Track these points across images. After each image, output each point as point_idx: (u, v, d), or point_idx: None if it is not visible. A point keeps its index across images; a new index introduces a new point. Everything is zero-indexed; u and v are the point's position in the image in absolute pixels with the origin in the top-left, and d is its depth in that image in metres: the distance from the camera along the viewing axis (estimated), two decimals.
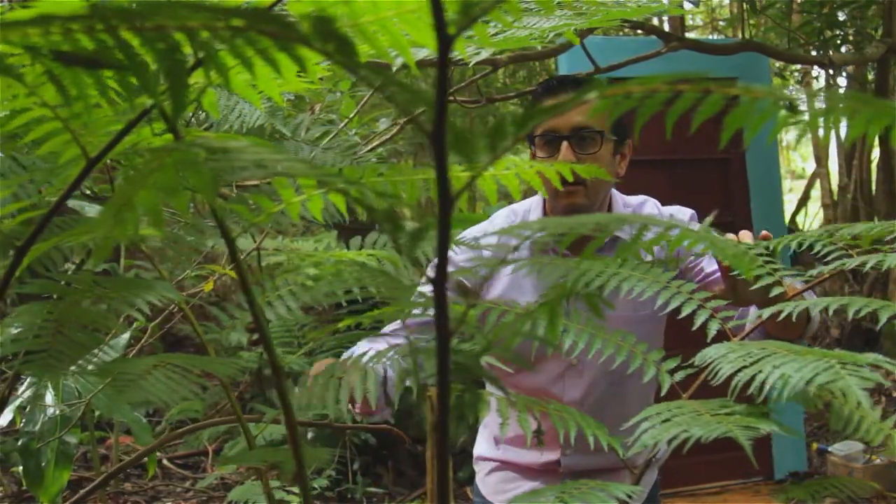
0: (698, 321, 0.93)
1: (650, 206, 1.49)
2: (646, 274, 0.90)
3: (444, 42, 0.38)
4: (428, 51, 0.74)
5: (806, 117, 0.43)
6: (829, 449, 3.31)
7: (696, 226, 1.20)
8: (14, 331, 0.71)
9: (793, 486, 0.94)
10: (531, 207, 1.50)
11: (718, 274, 1.23)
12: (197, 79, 0.57)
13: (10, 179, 0.65)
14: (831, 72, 5.56)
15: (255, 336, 1.01)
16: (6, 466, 2.86)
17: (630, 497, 0.77)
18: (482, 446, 1.60)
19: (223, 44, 0.48)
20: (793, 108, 0.45)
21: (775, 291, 0.91)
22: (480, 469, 1.61)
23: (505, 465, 1.54)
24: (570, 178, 0.84)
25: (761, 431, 0.78)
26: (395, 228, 0.47)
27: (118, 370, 0.73)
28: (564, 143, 1.36)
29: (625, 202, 1.50)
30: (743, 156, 3.46)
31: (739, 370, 0.77)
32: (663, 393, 0.93)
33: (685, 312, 0.92)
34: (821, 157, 6.35)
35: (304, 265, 0.66)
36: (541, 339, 0.57)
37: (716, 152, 3.37)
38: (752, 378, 0.73)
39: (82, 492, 1.11)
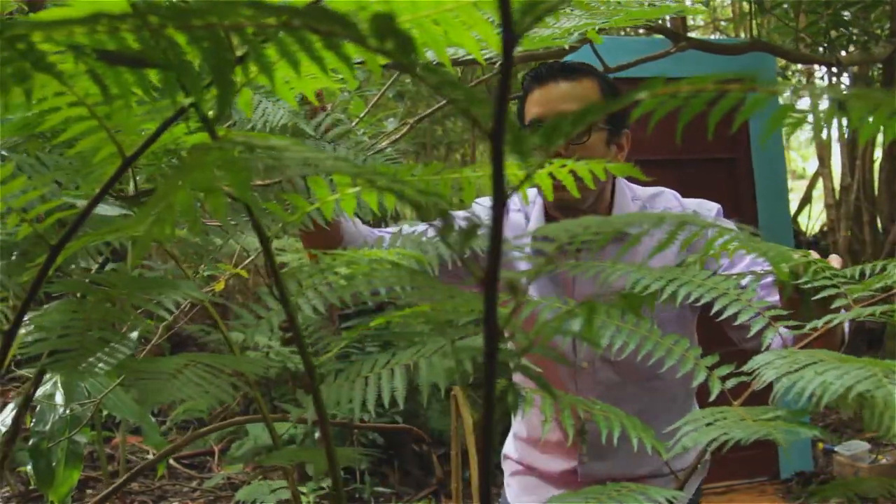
0: (754, 329, 0.90)
1: (665, 199, 1.41)
2: (704, 280, 0.88)
3: (509, 41, 0.37)
4: (453, 49, 0.73)
5: (818, 114, 0.43)
6: (835, 449, 3.31)
7: (724, 222, 1.18)
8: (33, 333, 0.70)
9: (819, 487, 0.93)
10: (534, 199, 1.46)
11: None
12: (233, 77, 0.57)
13: (36, 179, 0.65)
14: (834, 71, 5.57)
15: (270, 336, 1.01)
16: (12, 466, 2.86)
17: (671, 502, 0.76)
18: (509, 443, 1.57)
19: (270, 42, 0.48)
20: (842, 108, 0.45)
21: (836, 306, 0.87)
22: (507, 467, 1.58)
23: (528, 469, 1.51)
24: (597, 178, 0.84)
25: (801, 435, 0.78)
26: (446, 226, 0.47)
27: (149, 369, 0.73)
28: None
29: (634, 195, 1.42)
30: (749, 156, 3.45)
31: (782, 376, 0.77)
32: (712, 398, 0.90)
33: (741, 320, 0.88)
34: (823, 157, 6.35)
35: (336, 264, 0.66)
36: (585, 339, 0.57)
37: (723, 152, 3.36)
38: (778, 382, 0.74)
39: (106, 491, 1.11)
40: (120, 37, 0.49)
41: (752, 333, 0.88)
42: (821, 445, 3.46)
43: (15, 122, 0.66)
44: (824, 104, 0.43)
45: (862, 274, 0.92)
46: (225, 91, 0.49)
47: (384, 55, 0.42)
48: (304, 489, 2.66)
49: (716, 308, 0.86)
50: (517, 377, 1.44)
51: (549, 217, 1.41)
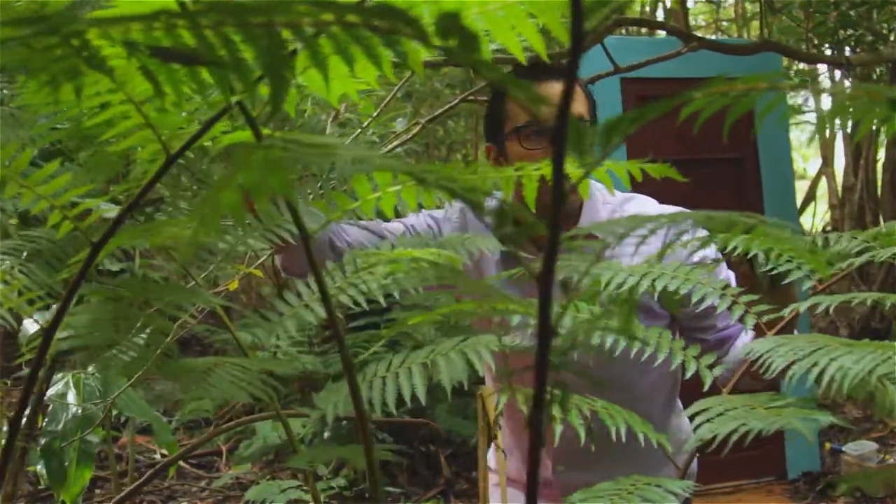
0: (735, 316, 0.92)
1: (639, 203, 1.35)
2: (675, 272, 0.89)
3: (577, 37, 0.38)
4: (495, 46, 0.74)
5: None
6: (843, 449, 3.32)
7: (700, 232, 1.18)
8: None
9: (834, 478, 0.94)
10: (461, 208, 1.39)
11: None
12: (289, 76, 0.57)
13: (78, 176, 0.65)
14: (837, 72, 5.58)
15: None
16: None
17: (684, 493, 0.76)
18: (490, 454, 1.55)
19: (323, 39, 0.48)
20: (893, 106, 0.45)
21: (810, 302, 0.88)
22: (490, 479, 1.57)
23: (508, 480, 1.46)
24: (640, 178, 0.84)
25: (821, 422, 0.78)
26: (501, 222, 0.47)
27: (187, 367, 0.74)
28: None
29: (604, 199, 1.35)
30: (756, 156, 3.46)
31: (793, 363, 0.77)
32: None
33: (720, 309, 0.90)
34: (827, 157, 6.36)
35: (376, 263, 0.66)
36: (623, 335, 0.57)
37: (730, 152, 3.36)
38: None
39: (128, 489, 1.11)
40: (176, 34, 0.49)
41: (734, 319, 0.89)
42: (828, 445, 3.47)
43: (52, 119, 0.66)
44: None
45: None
46: (279, 89, 0.50)
47: (444, 52, 0.43)
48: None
49: (694, 299, 0.86)
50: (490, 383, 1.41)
51: None
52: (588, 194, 1.30)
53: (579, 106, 1.30)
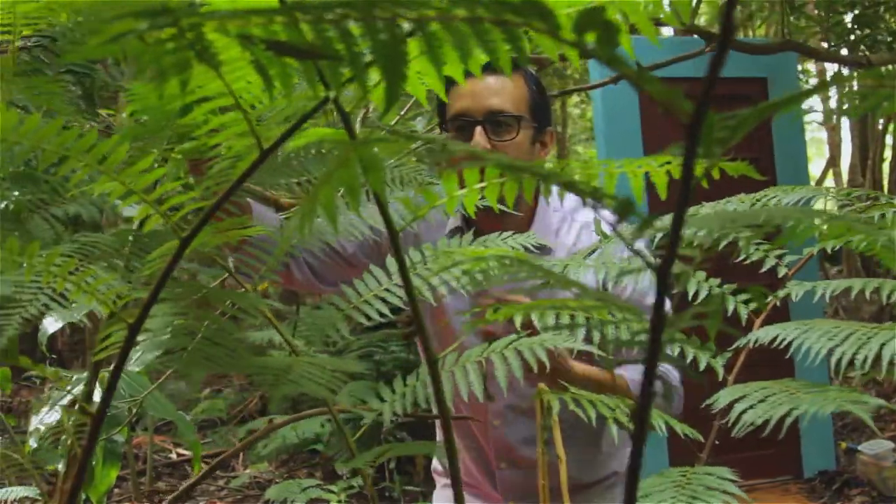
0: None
1: (588, 211, 1.33)
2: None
3: (727, 32, 0.38)
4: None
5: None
6: (859, 448, 3.32)
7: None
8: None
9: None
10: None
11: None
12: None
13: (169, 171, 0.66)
14: (845, 70, 5.59)
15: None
16: (36, 465, 2.86)
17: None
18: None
19: (448, 34, 0.49)
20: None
21: None
22: (437, 482, 1.55)
23: (471, 479, 1.45)
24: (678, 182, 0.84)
25: (870, 404, 0.77)
26: (624, 216, 0.47)
27: (263, 365, 0.74)
28: (478, 129, 1.24)
29: (555, 206, 1.34)
30: (772, 155, 3.46)
31: (833, 349, 0.76)
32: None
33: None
34: (834, 157, 6.37)
35: (462, 260, 0.66)
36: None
37: (745, 152, 3.37)
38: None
39: (182, 487, 1.10)
40: (297, 28, 0.49)
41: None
42: (844, 445, 3.47)
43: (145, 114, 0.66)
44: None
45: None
46: (396, 85, 0.50)
47: (575, 47, 0.43)
48: (333, 488, 2.66)
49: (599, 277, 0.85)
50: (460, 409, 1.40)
51: (469, 224, 1.32)
52: (532, 199, 1.31)
53: (493, 99, 1.26)
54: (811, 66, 6.58)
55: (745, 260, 0.98)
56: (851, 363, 0.74)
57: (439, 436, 1.53)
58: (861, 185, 6.09)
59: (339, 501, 2.55)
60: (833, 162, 6.42)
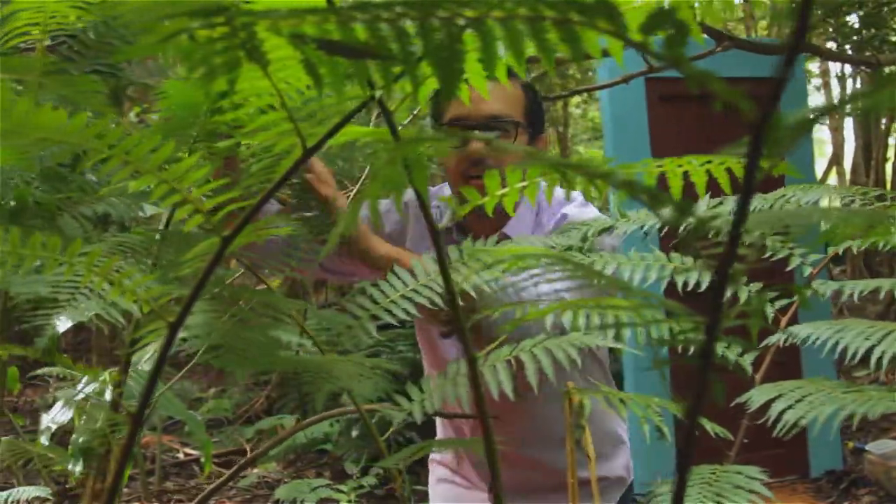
0: None
1: (572, 207, 1.31)
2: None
3: (801, 30, 0.38)
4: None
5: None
6: (866, 448, 3.32)
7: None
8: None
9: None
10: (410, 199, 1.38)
11: None
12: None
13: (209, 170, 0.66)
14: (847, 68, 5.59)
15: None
16: (47, 465, 2.85)
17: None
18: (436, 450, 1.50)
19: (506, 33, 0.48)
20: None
21: None
22: (433, 472, 1.53)
23: (455, 473, 1.46)
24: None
25: None
26: (683, 215, 0.47)
27: (305, 363, 0.74)
28: (476, 133, 1.22)
29: (527, 204, 1.31)
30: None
31: (872, 348, 0.76)
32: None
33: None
34: (838, 156, 6.37)
35: (498, 261, 0.66)
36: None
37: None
38: None
39: (210, 488, 1.11)
40: (350, 28, 0.49)
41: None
42: (851, 444, 3.47)
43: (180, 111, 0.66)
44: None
45: None
46: (452, 83, 0.50)
47: (639, 48, 0.43)
48: (343, 487, 2.65)
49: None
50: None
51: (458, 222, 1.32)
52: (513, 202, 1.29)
53: (492, 103, 1.26)
54: (812, 66, 6.59)
55: (770, 257, 0.98)
56: (861, 363, 0.74)
57: (440, 432, 1.52)
58: (864, 185, 6.09)
59: (350, 501, 2.55)
60: (836, 161, 6.43)
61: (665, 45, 0.41)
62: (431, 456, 1.53)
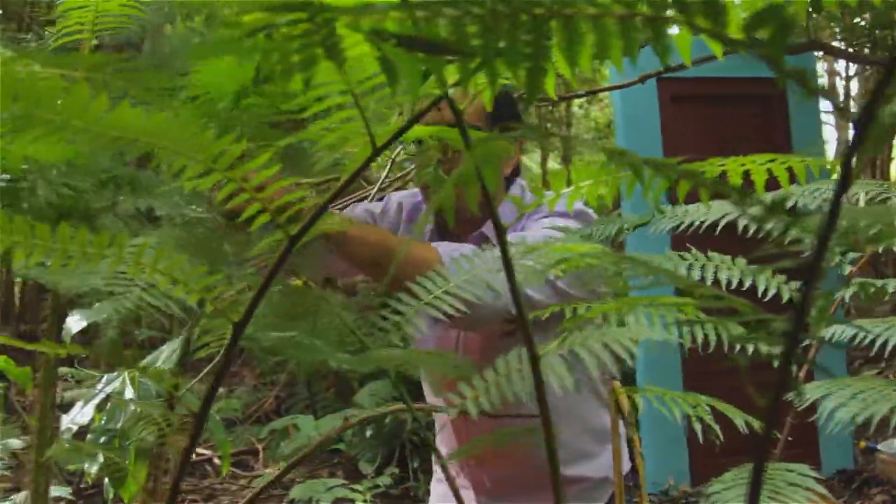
0: None
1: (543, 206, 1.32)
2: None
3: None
4: None
5: None
6: (878, 447, 3.32)
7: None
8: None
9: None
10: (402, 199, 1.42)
11: None
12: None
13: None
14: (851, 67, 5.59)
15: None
16: (59, 465, 2.85)
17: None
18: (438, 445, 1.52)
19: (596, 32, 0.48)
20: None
21: None
22: (434, 472, 1.56)
23: (458, 474, 1.46)
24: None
25: None
26: (772, 214, 0.47)
27: (380, 358, 0.74)
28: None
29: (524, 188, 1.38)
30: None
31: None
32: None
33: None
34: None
35: (552, 259, 0.66)
36: None
37: (764, 150, 3.37)
38: None
39: (259, 487, 1.11)
40: (433, 24, 0.49)
41: None
42: (862, 443, 3.47)
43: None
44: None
45: None
46: (538, 80, 0.50)
47: (737, 46, 0.43)
48: (358, 487, 2.65)
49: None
50: (432, 398, 1.41)
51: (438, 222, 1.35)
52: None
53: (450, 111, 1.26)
54: (818, 66, 6.58)
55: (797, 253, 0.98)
56: (867, 362, 0.74)
57: (439, 439, 1.52)
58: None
59: (365, 501, 2.55)
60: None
61: (768, 43, 0.41)
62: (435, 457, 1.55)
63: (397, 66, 0.53)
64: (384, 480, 2.76)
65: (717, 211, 0.85)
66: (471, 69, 0.54)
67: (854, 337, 0.84)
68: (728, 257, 0.86)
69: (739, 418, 0.86)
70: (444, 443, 1.46)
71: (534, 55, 0.49)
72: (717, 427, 0.87)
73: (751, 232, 0.94)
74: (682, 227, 1.00)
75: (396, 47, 0.52)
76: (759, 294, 0.88)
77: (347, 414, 2.90)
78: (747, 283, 0.86)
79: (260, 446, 3.26)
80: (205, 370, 1.89)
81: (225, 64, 0.75)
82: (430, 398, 1.46)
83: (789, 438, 0.89)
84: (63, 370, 3.82)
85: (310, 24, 0.52)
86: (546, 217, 1.28)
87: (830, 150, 7.88)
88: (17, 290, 6.82)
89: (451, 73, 0.56)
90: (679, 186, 0.80)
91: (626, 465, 1.42)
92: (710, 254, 0.86)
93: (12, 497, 1.74)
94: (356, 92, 0.59)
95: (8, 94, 0.53)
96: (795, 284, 1.00)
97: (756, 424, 0.91)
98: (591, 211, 1.31)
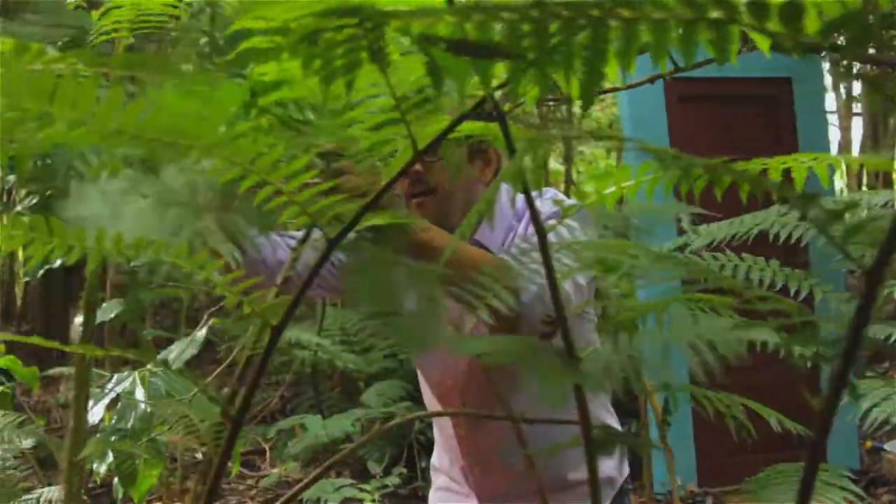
0: None
1: (544, 204, 1.23)
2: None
3: None
4: None
5: None
6: (884, 447, 3.32)
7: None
8: None
9: None
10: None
11: None
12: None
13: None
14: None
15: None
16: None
17: None
18: (435, 453, 1.50)
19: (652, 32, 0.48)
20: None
21: None
22: (433, 479, 1.52)
23: (452, 480, 1.44)
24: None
25: None
26: (827, 217, 0.47)
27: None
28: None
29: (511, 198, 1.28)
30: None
31: None
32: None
33: None
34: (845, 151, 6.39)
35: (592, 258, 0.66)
36: None
37: (771, 153, 3.36)
38: None
39: (292, 491, 1.10)
40: (486, 27, 0.48)
41: None
42: (869, 443, 3.47)
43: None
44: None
45: None
46: (593, 83, 0.49)
47: (813, 49, 0.42)
48: (366, 487, 2.65)
49: None
50: (428, 399, 1.39)
51: None
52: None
53: None
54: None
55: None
56: (869, 362, 0.74)
57: (437, 438, 1.51)
58: (872, 185, 6.10)
59: (373, 501, 2.55)
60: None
61: (849, 44, 0.41)
62: (431, 462, 1.53)
63: (443, 69, 0.53)
64: (392, 480, 2.76)
65: (749, 223, 0.85)
66: (521, 71, 0.53)
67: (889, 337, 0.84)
68: (761, 258, 0.86)
69: (773, 417, 0.86)
70: (445, 449, 1.44)
71: (590, 58, 0.48)
72: (748, 426, 0.87)
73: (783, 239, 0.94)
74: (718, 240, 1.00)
75: (446, 51, 0.51)
76: (792, 294, 0.88)
77: (355, 414, 2.90)
78: (779, 285, 0.86)
79: (267, 446, 3.25)
80: (216, 372, 1.89)
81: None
82: (430, 402, 1.45)
83: (809, 433, 0.89)
84: (66, 370, 3.82)
85: (356, 29, 0.51)
86: (546, 220, 1.25)
87: (832, 150, 7.88)
88: (18, 290, 6.81)
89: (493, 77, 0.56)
90: (717, 185, 0.80)
91: (626, 469, 1.41)
92: (743, 255, 0.85)
93: (38, 491, 1.73)
94: (398, 94, 0.58)
95: (44, 94, 0.53)
96: (811, 280, 0.99)
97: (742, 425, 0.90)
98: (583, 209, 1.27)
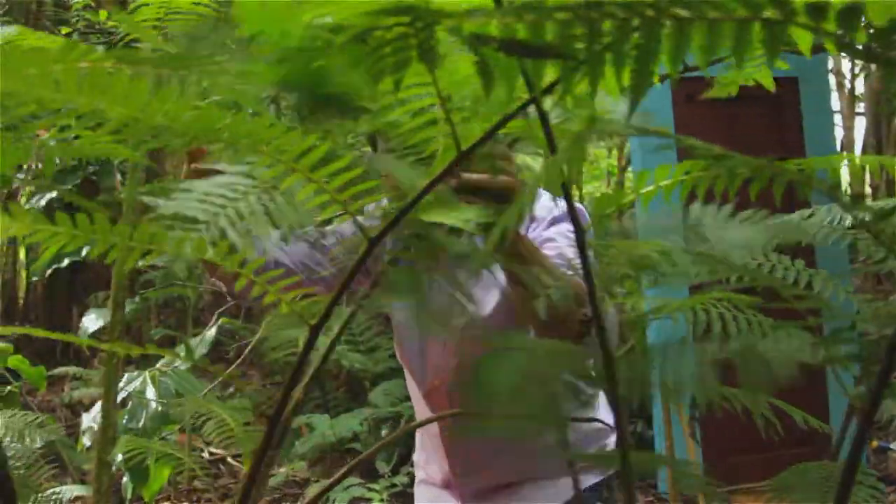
0: None
1: (540, 203, 1.28)
2: None
3: None
4: None
5: None
6: (890, 447, 3.32)
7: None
8: None
9: None
10: None
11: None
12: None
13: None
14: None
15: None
16: (74, 463, 2.85)
17: None
18: (416, 449, 1.52)
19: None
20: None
21: None
22: (416, 474, 1.54)
23: (428, 475, 1.46)
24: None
25: None
26: (883, 219, 0.47)
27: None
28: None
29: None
30: (804, 155, 3.45)
31: None
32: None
33: None
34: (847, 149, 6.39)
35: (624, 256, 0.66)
36: None
37: (778, 152, 3.36)
38: None
39: (317, 493, 1.11)
40: (540, 28, 0.48)
41: None
42: (874, 443, 3.47)
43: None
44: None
45: None
46: (643, 84, 0.49)
47: (858, 55, 0.43)
48: (375, 486, 2.65)
49: None
50: (415, 396, 1.39)
51: None
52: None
53: None
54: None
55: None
56: None
57: (418, 439, 1.51)
58: (875, 185, 6.09)
59: (382, 500, 2.55)
60: (850, 162, 6.43)
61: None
62: (414, 457, 1.53)
63: (494, 69, 0.53)
64: (400, 479, 2.76)
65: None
66: (572, 71, 0.53)
67: None
68: (786, 257, 0.86)
69: (798, 415, 0.86)
70: (424, 447, 1.45)
71: (641, 57, 0.48)
72: (775, 421, 0.87)
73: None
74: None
75: (497, 51, 0.51)
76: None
77: (363, 413, 2.90)
78: (802, 284, 0.86)
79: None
80: (225, 372, 1.88)
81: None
82: (416, 400, 1.44)
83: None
84: (71, 370, 3.81)
85: (407, 28, 0.51)
86: (553, 225, 1.26)
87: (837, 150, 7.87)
88: (20, 290, 6.80)
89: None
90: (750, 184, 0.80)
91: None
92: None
93: (60, 489, 1.73)
94: (443, 94, 0.58)
95: (95, 90, 0.53)
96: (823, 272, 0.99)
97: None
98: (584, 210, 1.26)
